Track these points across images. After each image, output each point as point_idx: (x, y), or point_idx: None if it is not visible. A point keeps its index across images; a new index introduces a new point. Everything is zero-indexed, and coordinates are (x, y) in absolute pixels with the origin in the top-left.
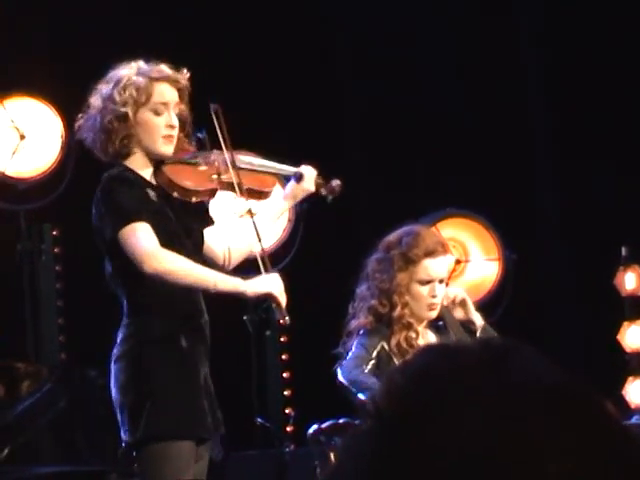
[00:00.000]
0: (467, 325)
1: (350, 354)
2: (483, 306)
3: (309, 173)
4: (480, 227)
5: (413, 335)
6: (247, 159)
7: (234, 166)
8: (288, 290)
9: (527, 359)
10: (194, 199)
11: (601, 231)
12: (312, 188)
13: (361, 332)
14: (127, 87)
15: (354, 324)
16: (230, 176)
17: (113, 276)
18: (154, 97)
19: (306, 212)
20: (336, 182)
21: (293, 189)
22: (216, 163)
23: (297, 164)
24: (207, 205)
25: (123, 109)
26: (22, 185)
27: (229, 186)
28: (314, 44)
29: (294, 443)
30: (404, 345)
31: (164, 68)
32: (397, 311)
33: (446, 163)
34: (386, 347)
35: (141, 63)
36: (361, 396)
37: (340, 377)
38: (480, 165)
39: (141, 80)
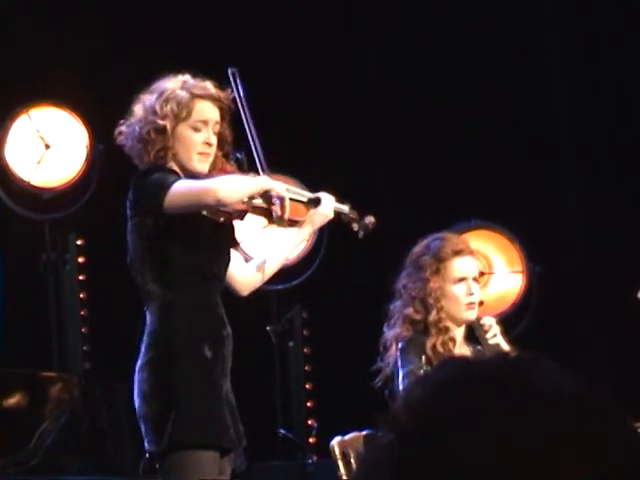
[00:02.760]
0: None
1: (401, 374)
2: (507, 319)
3: (327, 199)
4: (504, 239)
5: (450, 340)
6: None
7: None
8: (311, 301)
9: (545, 372)
10: (222, 219)
11: (626, 244)
12: (330, 214)
13: (400, 345)
14: (169, 100)
15: (391, 335)
16: (264, 201)
17: (143, 280)
18: (194, 114)
19: (329, 223)
20: (370, 219)
21: (312, 215)
22: None
23: (320, 186)
24: (234, 225)
25: (162, 122)
26: (47, 194)
27: (260, 211)
28: (345, 70)
29: (317, 454)
30: (440, 349)
31: (208, 86)
32: (433, 315)
33: (471, 175)
34: (424, 360)
35: (187, 77)
36: None
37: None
38: (505, 177)
39: (184, 95)
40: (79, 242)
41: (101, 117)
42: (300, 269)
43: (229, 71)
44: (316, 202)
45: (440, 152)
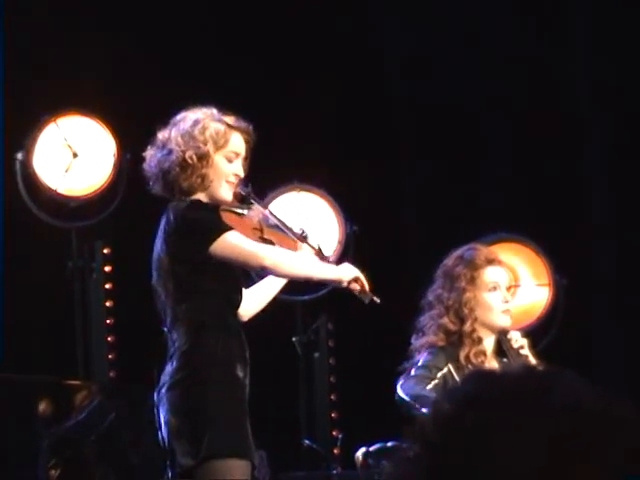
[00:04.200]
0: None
1: (413, 371)
2: (533, 332)
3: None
4: (531, 252)
5: (481, 351)
6: (276, 220)
7: (269, 225)
8: (336, 312)
9: (570, 385)
10: None
11: None
12: (316, 247)
13: (430, 350)
14: (207, 128)
15: (422, 341)
16: (268, 234)
17: (172, 300)
18: (229, 145)
19: (356, 234)
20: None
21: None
22: (255, 219)
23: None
24: None
25: (205, 147)
26: (74, 203)
27: (267, 243)
28: (366, 79)
29: (341, 465)
30: (474, 360)
31: (238, 119)
32: (467, 325)
33: (498, 188)
34: (452, 369)
35: (214, 110)
36: (425, 410)
37: (401, 393)
38: (532, 189)
39: (220, 126)
40: (105, 250)
41: (129, 126)
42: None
43: None
44: (304, 238)
45: (466, 164)
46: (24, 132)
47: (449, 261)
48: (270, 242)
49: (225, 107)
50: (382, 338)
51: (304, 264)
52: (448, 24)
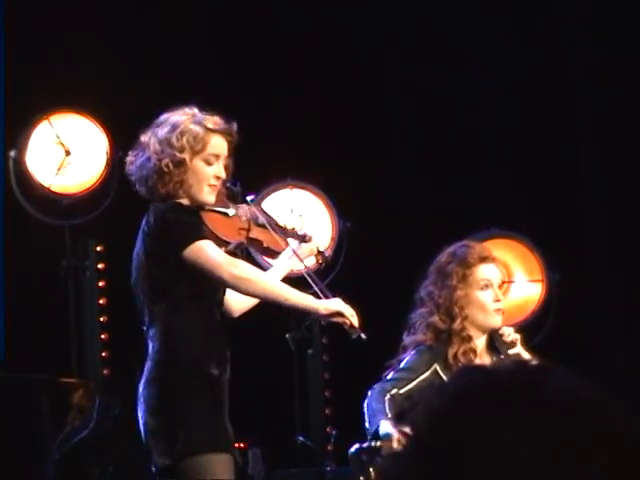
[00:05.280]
0: None
1: (391, 374)
2: (526, 327)
3: (315, 235)
4: (524, 248)
5: (471, 350)
6: (266, 218)
7: (258, 224)
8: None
9: (561, 380)
10: (223, 249)
11: None
12: (315, 250)
13: (417, 349)
14: (184, 133)
15: (411, 340)
16: (256, 232)
17: (148, 301)
18: (208, 147)
19: (349, 231)
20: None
21: (300, 249)
22: (244, 218)
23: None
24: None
25: (180, 155)
26: (67, 200)
27: (254, 242)
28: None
29: (335, 462)
30: (462, 358)
31: (219, 120)
32: (457, 323)
33: (490, 184)
34: (439, 369)
35: (195, 110)
36: (367, 426)
37: (365, 401)
38: (524, 186)
39: (198, 129)
40: (99, 248)
41: (121, 124)
42: (319, 277)
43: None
44: (305, 239)
45: (460, 162)
46: (17, 130)
47: (441, 258)
48: (257, 241)
49: (220, 105)
50: (376, 334)
51: (272, 288)
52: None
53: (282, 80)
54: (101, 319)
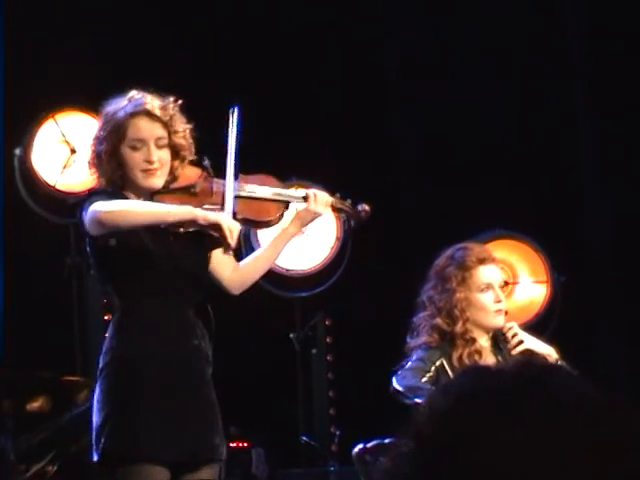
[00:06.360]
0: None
1: (407, 365)
2: (530, 329)
3: (316, 195)
4: (529, 249)
5: (475, 352)
6: (250, 187)
7: (241, 196)
8: (334, 309)
9: (565, 380)
10: (181, 229)
11: None
12: (321, 211)
13: (424, 347)
14: (107, 124)
15: (416, 342)
16: (222, 206)
17: (106, 291)
18: (129, 133)
19: (354, 230)
20: (363, 207)
21: (299, 212)
22: (214, 191)
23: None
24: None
25: (101, 147)
26: (72, 199)
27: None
28: (364, 71)
29: (339, 462)
30: (467, 361)
31: (146, 101)
32: (459, 326)
33: (495, 184)
34: (445, 364)
35: (132, 94)
36: (418, 400)
37: (395, 385)
38: (529, 187)
39: (120, 116)
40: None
41: None
42: (323, 277)
43: (231, 109)
44: (305, 200)
45: (464, 161)
46: (23, 128)
47: (440, 261)
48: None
49: (227, 102)
50: (379, 334)
51: (150, 210)
52: (447, 29)
53: (287, 79)
54: (105, 317)
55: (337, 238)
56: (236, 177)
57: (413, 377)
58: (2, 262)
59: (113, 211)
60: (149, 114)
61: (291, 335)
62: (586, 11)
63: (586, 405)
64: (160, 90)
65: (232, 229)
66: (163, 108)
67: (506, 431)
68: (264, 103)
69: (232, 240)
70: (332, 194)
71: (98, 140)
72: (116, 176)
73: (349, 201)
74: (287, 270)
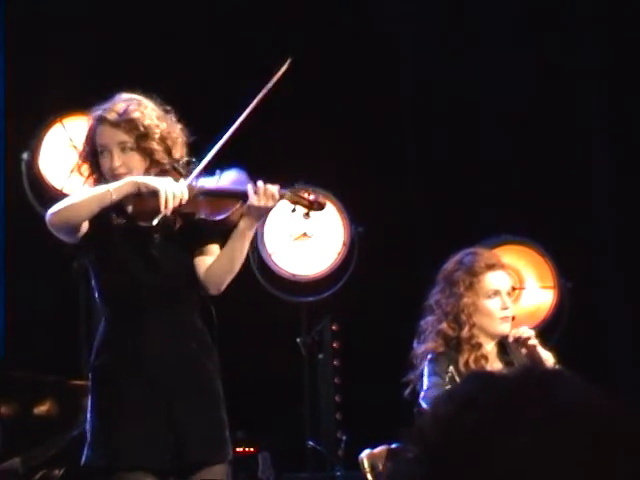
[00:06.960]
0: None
1: (426, 383)
2: (537, 334)
3: (253, 190)
4: (536, 254)
5: (482, 357)
6: (201, 184)
7: (199, 196)
8: (340, 313)
9: (570, 386)
10: (141, 223)
11: None
12: (266, 204)
13: (429, 357)
14: (86, 132)
15: (422, 349)
16: (189, 205)
17: None
18: (96, 139)
19: (360, 236)
20: (316, 197)
21: (247, 208)
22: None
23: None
24: (190, 230)
25: (86, 157)
26: None
27: (186, 215)
28: (378, 77)
29: (345, 467)
30: (473, 366)
31: (109, 107)
32: (465, 331)
33: (502, 190)
34: (454, 371)
35: (116, 97)
36: None
37: (425, 404)
38: (536, 192)
39: (90, 123)
40: None
41: None
42: (330, 282)
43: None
44: (244, 197)
45: (472, 167)
46: (30, 132)
47: (448, 265)
48: (189, 213)
49: (233, 106)
50: (386, 339)
51: (90, 198)
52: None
53: (297, 82)
54: None
55: (344, 243)
56: (212, 173)
57: (441, 388)
58: (7, 265)
59: (58, 210)
60: (108, 120)
61: (298, 340)
62: (601, 19)
63: (589, 409)
64: (165, 94)
65: (170, 196)
66: (125, 112)
67: (510, 437)
68: (276, 106)
69: (165, 208)
70: (290, 185)
71: (82, 144)
72: (95, 182)
73: (310, 191)
74: (294, 275)
